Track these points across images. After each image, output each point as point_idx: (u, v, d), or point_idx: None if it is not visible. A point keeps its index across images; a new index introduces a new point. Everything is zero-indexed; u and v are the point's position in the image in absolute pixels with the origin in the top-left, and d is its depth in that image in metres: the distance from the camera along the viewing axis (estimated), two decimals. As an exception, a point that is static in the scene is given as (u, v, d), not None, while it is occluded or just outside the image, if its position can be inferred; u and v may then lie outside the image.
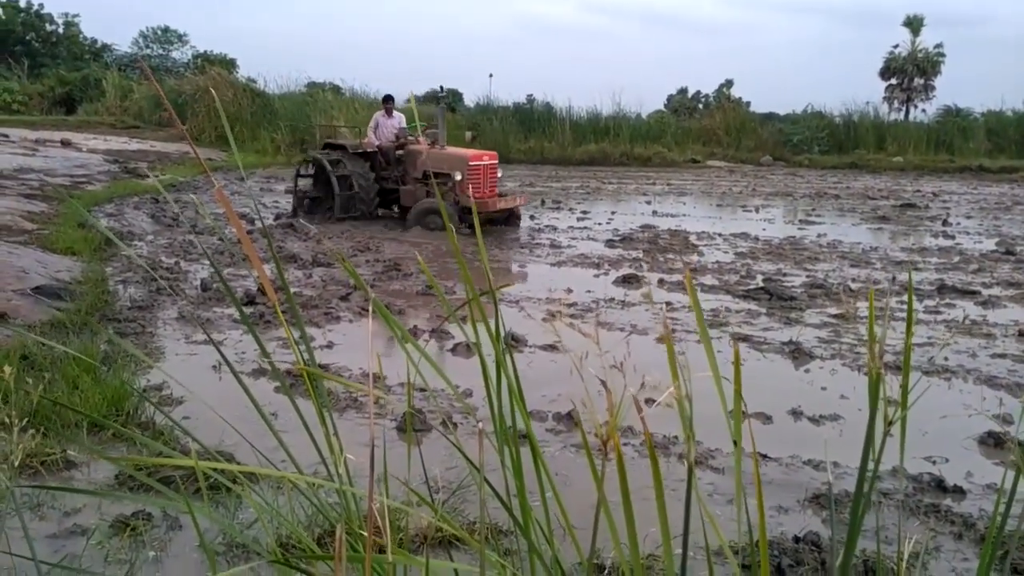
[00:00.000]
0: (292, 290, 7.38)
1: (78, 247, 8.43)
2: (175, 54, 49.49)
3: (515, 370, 1.24)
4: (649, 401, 0.98)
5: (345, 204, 12.06)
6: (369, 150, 12.43)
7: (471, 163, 11.57)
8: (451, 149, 12.68)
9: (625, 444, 4.11)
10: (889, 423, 0.98)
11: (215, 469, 1.28)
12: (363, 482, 1.57)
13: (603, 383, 0.88)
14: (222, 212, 12.44)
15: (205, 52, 45.96)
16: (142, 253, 9.00)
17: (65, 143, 20.74)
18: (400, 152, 12.44)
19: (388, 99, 13.06)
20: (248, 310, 6.70)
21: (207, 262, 8.59)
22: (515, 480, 1.23)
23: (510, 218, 12.09)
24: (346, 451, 1.42)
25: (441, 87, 13.62)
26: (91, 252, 8.35)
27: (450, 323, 6.34)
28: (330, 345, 5.81)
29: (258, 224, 11.09)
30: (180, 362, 5.39)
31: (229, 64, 39.56)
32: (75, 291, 6.65)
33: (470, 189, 11.25)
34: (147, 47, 49.64)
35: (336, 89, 30.46)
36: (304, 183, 12.92)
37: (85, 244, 8.52)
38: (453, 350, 5.79)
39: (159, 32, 49.96)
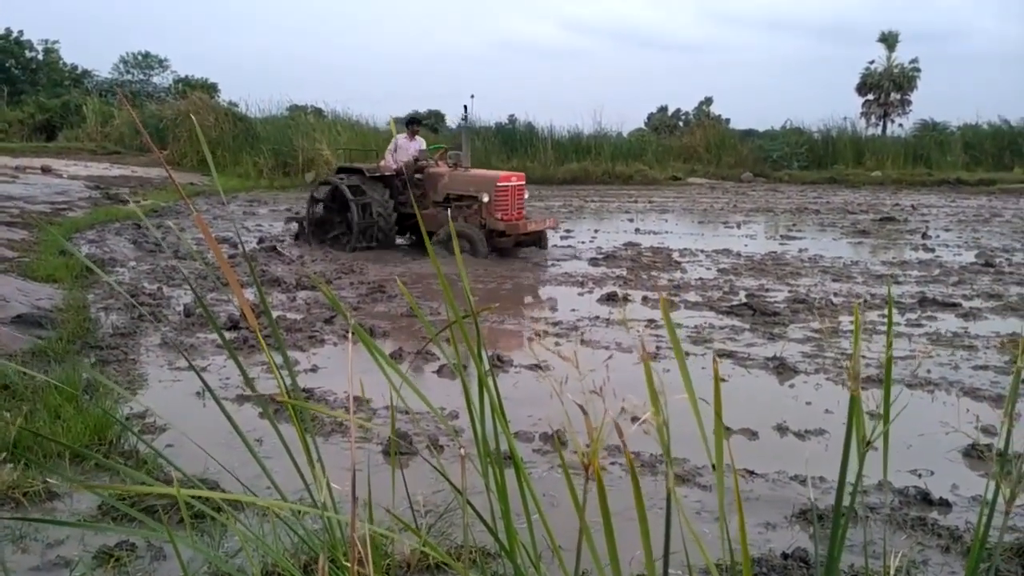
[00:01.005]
0: (276, 314, 7.35)
1: (59, 274, 8.37)
2: (156, 79, 49.43)
3: (498, 392, 1.24)
4: (634, 419, 0.99)
5: (363, 232, 11.49)
6: (387, 174, 11.87)
7: (499, 184, 11.10)
8: (476, 170, 12.23)
9: (612, 463, 4.10)
10: (868, 443, 0.98)
11: (198, 498, 1.27)
12: (349, 508, 1.57)
13: (582, 408, 0.89)
14: (203, 237, 12.48)
15: (186, 77, 46.00)
16: (124, 279, 8.94)
17: (45, 170, 20.62)
18: (419, 176, 11.93)
19: (414, 121, 12.56)
20: (231, 335, 6.66)
21: (190, 287, 8.55)
22: (500, 503, 1.23)
23: (539, 241, 11.64)
24: (331, 476, 1.41)
25: (465, 106, 12.97)
26: (72, 279, 8.29)
27: (435, 345, 6.33)
28: (315, 369, 5.78)
29: (241, 248, 11.08)
30: (163, 389, 5.34)
31: (210, 88, 39.56)
32: (56, 319, 6.60)
33: (498, 212, 10.93)
34: (128, 72, 49.55)
35: (318, 112, 30.50)
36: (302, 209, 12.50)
37: (66, 271, 8.46)
38: (439, 371, 5.77)
39: (139, 57, 49.89)
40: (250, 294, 8.27)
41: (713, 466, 0.93)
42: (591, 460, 0.84)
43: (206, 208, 16.86)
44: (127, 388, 5.25)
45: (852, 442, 1.00)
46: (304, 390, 5.22)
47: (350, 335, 1.07)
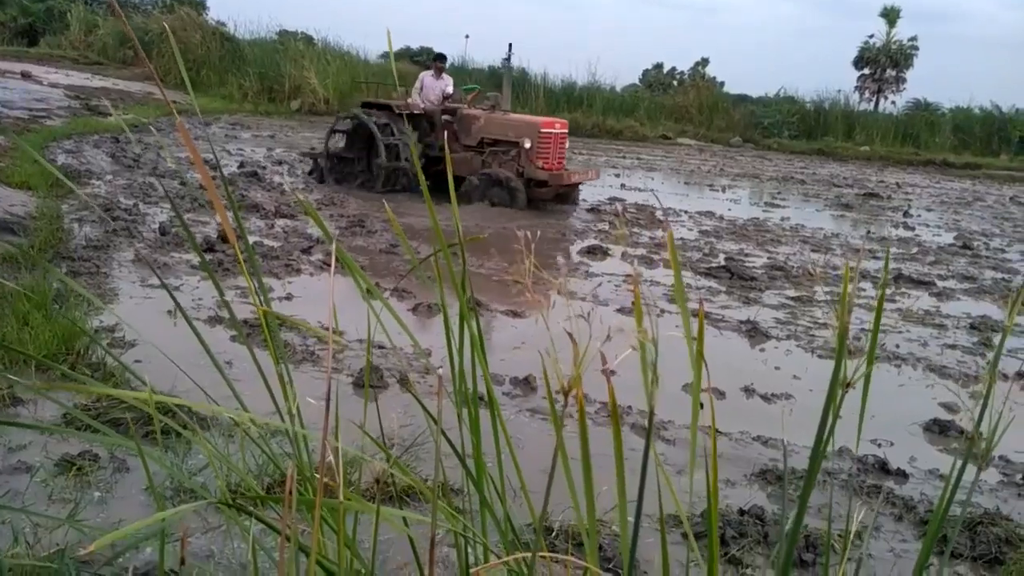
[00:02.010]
0: (253, 240, 7.28)
1: (34, 182, 8.21)
2: (144, -10, 48.03)
3: (479, 326, 1.22)
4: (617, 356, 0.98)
5: (390, 175, 10.84)
6: (416, 112, 11.10)
7: (542, 130, 10.49)
8: (516, 115, 11.54)
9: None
10: (848, 384, 0.98)
11: (166, 411, 1.26)
12: (318, 432, 1.55)
13: (569, 334, 0.87)
14: (184, 156, 12.11)
15: (175, -9, 44.72)
16: (100, 193, 8.79)
17: (25, 75, 20.10)
18: (448, 117, 11.26)
19: (440, 58, 11.79)
20: (207, 257, 6.60)
21: (167, 205, 8.43)
22: (472, 437, 1.23)
23: (572, 195, 11.12)
24: (301, 404, 1.40)
25: (510, 45, 12.09)
26: (47, 188, 8.13)
27: (415, 281, 6.31)
28: (289, 297, 5.74)
29: (219, 172, 10.92)
30: (134, 305, 5.29)
31: (199, 5, 38.50)
32: (29, 227, 6.49)
33: (539, 160, 10.41)
34: (115, -19, 48.07)
35: (308, 39, 29.85)
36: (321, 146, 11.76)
37: (41, 179, 8.29)
38: (414, 309, 5.76)
39: (128, -34, 48.39)
40: (229, 218, 8.17)
41: (700, 404, 0.92)
42: (573, 385, 0.83)
43: (187, 127, 16.53)
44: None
45: (837, 382, 1.00)
46: (277, 317, 5.19)
47: (333, 255, 1.04)
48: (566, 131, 11.00)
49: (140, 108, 18.30)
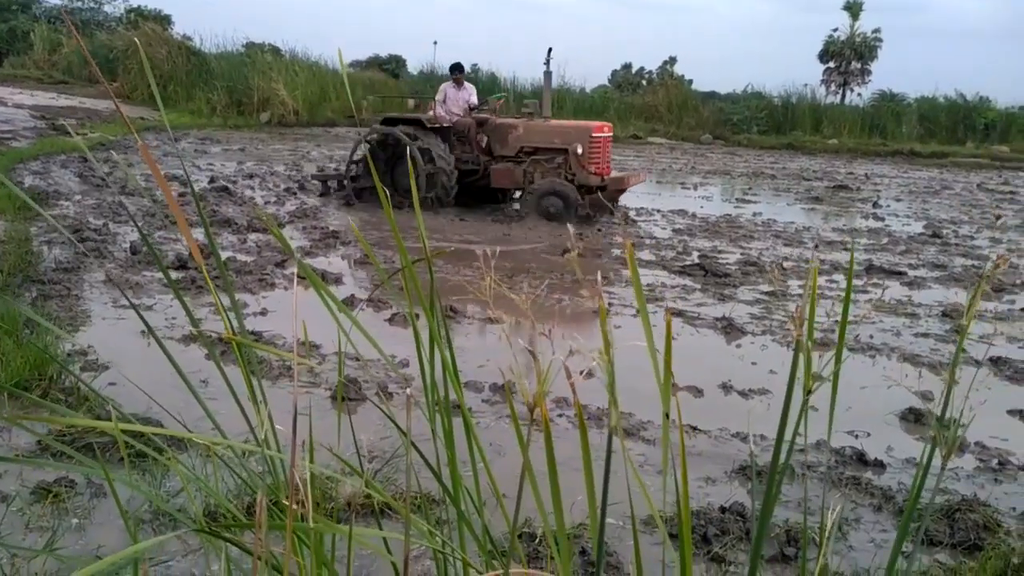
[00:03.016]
0: (226, 255, 7.23)
1: (1, 205, 8.11)
2: (107, 7, 47.41)
3: (449, 341, 1.23)
4: (584, 374, 0.99)
5: (430, 179, 10.32)
6: (445, 125, 10.71)
7: (594, 134, 10.17)
8: (559, 121, 11.22)
9: (560, 415, 4.15)
10: (809, 391, 1.00)
11: (138, 436, 1.25)
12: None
13: (531, 352, 0.88)
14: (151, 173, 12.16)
15: (139, 6, 44.27)
16: (69, 214, 8.69)
17: (-12, 96, 19.85)
18: (479, 127, 10.85)
19: (457, 68, 11.36)
20: (179, 275, 6.55)
21: (138, 223, 8.35)
22: (447, 451, 1.23)
23: (615, 200, 10.71)
24: (278, 420, 1.39)
25: (549, 49, 11.33)
26: (15, 211, 8.03)
27: (387, 293, 6.30)
28: (264, 312, 5.71)
29: (190, 187, 10.84)
30: (107, 327, 5.24)
31: (164, 20, 38.15)
32: (-4, 251, 6.40)
33: (592, 165, 10.09)
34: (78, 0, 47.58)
35: (276, 51, 29.71)
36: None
37: (8, 202, 8.19)
38: (391, 320, 5.75)
39: (90, -16, 47.89)
40: (200, 234, 8.12)
41: (665, 414, 0.93)
42: (537, 403, 0.83)
43: (156, 144, 16.42)
44: (69, 325, 5.14)
45: (796, 388, 1.01)
46: (252, 333, 5.16)
47: (295, 275, 1.04)
48: (611, 135, 10.81)
49: (107, 126, 18.11)
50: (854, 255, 8.93)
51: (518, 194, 11.21)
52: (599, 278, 0.96)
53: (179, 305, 5.59)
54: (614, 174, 10.83)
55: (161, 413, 3.39)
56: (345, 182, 11.10)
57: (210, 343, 2.09)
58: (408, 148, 9.93)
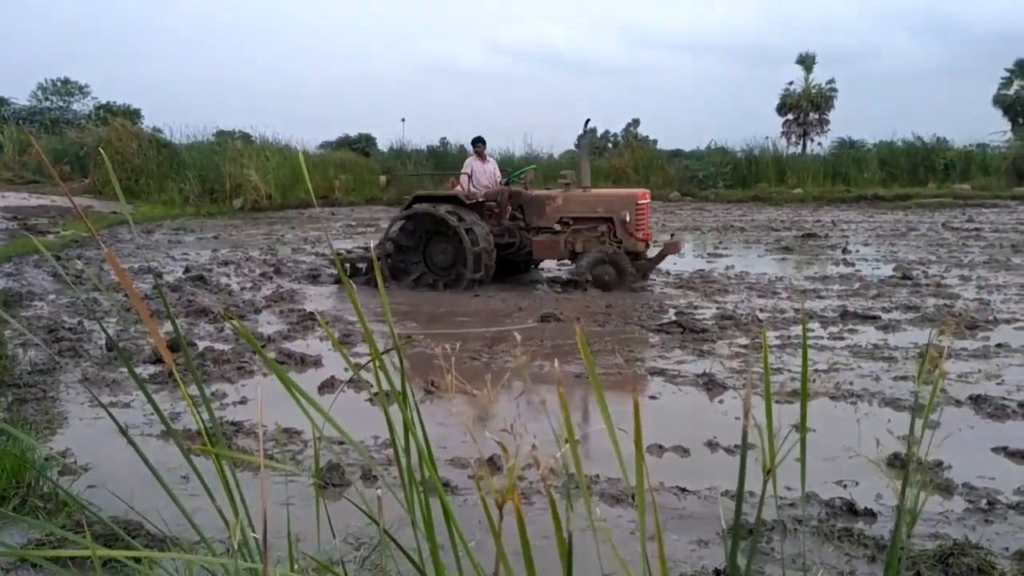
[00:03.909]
0: (203, 344, 7.19)
1: (-28, 310, 8.04)
2: (76, 106, 47.99)
3: (423, 428, 1.24)
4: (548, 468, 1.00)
5: (476, 260, 10.07)
6: (480, 200, 10.68)
7: (640, 202, 10.31)
8: (599, 190, 11.37)
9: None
10: (769, 471, 1.01)
11: (113, 547, 1.24)
12: (278, 544, 1.54)
13: (501, 445, 0.89)
14: (128, 267, 11.95)
15: (108, 103, 44.80)
16: (43, 314, 8.62)
17: (-42, 201, 19.83)
18: (512, 201, 10.84)
19: (479, 141, 11.35)
20: (157, 368, 6.49)
21: (113, 319, 8.33)
22: (427, 541, 1.23)
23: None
24: (264, 510, 1.38)
25: (587, 120, 11.56)
26: (-13, 315, 7.96)
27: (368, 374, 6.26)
28: (243, 401, 5.66)
29: (155, 283, 10.81)
30: (85, 427, 5.17)
31: (133, 115, 38.64)
32: (-31, 357, 6.33)
33: (639, 232, 10.19)
34: (46, 99, 48.01)
35: (246, 137, 30.08)
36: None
37: (-20, 307, 8.13)
38: (372, 399, 5.71)
39: (59, 84, 48.41)
40: (179, 324, 8.08)
41: (637, 501, 0.94)
42: (506, 498, 0.84)
43: (129, 238, 16.43)
44: (46, 428, 5.07)
45: (749, 463, 1.03)
46: (233, 423, 5.11)
47: (254, 371, 1.05)
48: (649, 200, 10.93)
49: (80, 223, 18.10)
50: (826, 302, 9.02)
51: (542, 264, 11.35)
52: (556, 365, 0.98)
53: (158, 399, 5.51)
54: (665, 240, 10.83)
55: (142, 513, 3.34)
56: (372, 263, 10.62)
57: (184, 445, 2.07)
58: (457, 228, 9.92)
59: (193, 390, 5.87)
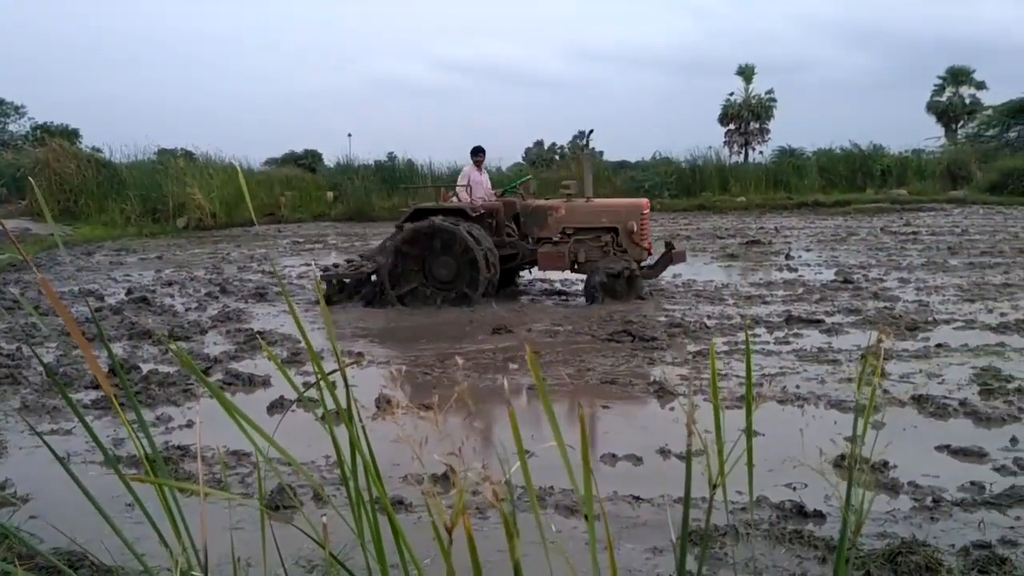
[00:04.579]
0: (147, 368, 7.02)
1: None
2: (12, 127, 46.81)
3: (370, 449, 1.22)
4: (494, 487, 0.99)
5: (488, 280, 9.86)
6: (482, 212, 10.47)
7: (644, 211, 10.31)
8: (603, 200, 11.26)
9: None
10: (715, 486, 1.02)
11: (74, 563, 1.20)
12: (224, 570, 1.51)
13: (451, 468, 0.89)
14: (67, 290, 11.62)
15: (45, 123, 43.74)
16: (-22, 340, 8.34)
17: None
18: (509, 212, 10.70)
19: (479, 151, 11.22)
20: (100, 393, 6.32)
21: (52, 344, 8.10)
22: (378, 564, 1.21)
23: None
24: (211, 536, 1.35)
25: (591, 131, 11.32)
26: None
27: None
28: (190, 424, 5.55)
29: (90, 310, 10.56)
30: (26, 456, 5.02)
31: (71, 135, 37.83)
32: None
33: (644, 240, 10.18)
34: (-18, 121, 46.70)
35: (189, 155, 29.59)
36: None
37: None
38: (323, 418, 5.63)
39: (-7, 105, 47.15)
40: (120, 348, 7.89)
41: (585, 516, 0.94)
42: (455, 522, 0.84)
43: (69, 260, 16.02)
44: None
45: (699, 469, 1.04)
46: (179, 447, 5.01)
47: (202, 393, 1.03)
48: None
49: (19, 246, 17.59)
50: (771, 308, 9.18)
51: (524, 274, 11.31)
52: (506, 384, 0.98)
53: (101, 424, 5.36)
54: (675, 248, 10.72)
55: (86, 543, 3.24)
56: (379, 278, 10.29)
57: (123, 475, 2.02)
58: (467, 240, 9.71)
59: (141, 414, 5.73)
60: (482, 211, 10.48)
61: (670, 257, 10.41)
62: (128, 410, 5.90)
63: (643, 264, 10.40)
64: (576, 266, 10.36)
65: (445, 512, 0.88)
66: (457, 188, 10.97)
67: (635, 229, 10.11)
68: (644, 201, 10.81)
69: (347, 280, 10.80)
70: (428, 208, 10.40)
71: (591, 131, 11.18)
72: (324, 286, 10.66)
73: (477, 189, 10.96)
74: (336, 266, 11.45)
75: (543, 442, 4.57)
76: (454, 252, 9.92)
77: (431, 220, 9.96)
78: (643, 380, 6.28)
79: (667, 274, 12.13)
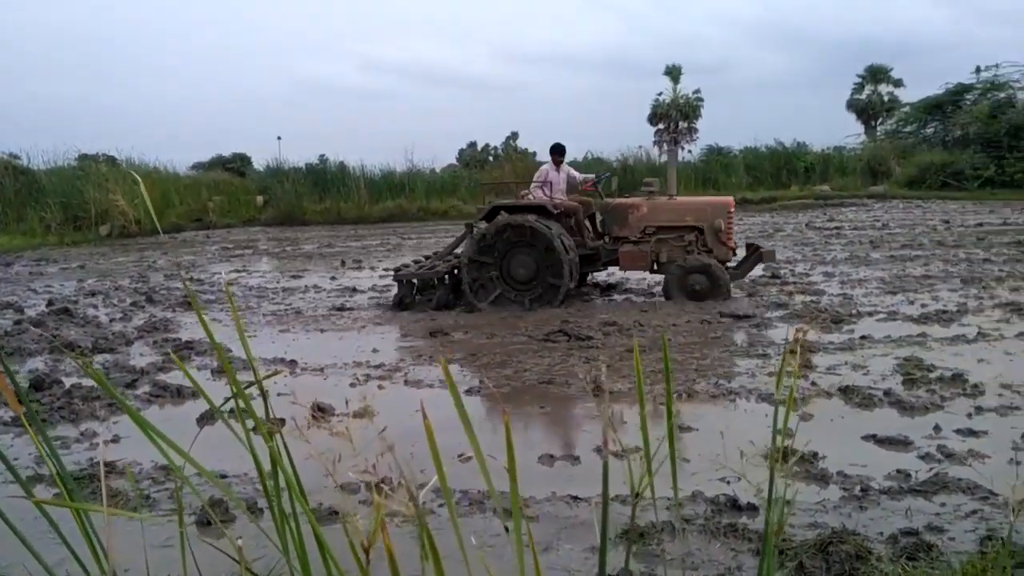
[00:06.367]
0: (71, 382, 6.78)
1: None
2: (-82, 132, 44.80)
3: (292, 462, 1.19)
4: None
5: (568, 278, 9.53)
6: (562, 210, 10.07)
7: (731, 209, 10.00)
8: (686, 198, 10.90)
9: (441, 505, 4.05)
10: (637, 494, 1.02)
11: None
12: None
13: (372, 488, 0.86)
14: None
15: (-46, 129, 41.97)
16: None
17: None
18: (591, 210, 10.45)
19: (558, 149, 10.64)
20: (22, 410, 6.07)
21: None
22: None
23: None
24: (132, 555, 1.30)
25: (677, 123, 10.49)
26: None
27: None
28: (116, 439, 5.36)
29: None
30: (-62, 478, 4.78)
31: (-16, 140, 36.36)
32: None
33: (730, 240, 9.90)
34: None
35: (111, 160, 28.72)
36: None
37: None
38: (254, 429, 5.51)
39: None
40: (41, 363, 7.60)
41: (506, 528, 0.93)
42: (371, 542, 0.81)
43: (-15, 271, 15.38)
44: None
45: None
46: (106, 464, 4.84)
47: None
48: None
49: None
50: (706, 304, 9.33)
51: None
52: (422, 405, 0.96)
53: (21, 442, 5.16)
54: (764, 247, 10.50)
55: (9, 567, 3.11)
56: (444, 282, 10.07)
57: (33, 498, 1.94)
58: (551, 238, 9.39)
59: (64, 430, 5.54)
60: (562, 209, 10.11)
61: (759, 256, 10.12)
62: (51, 426, 5.70)
63: (727, 264, 10.02)
64: (657, 266, 10.07)
65: (361, 531, 0.86)
66: (532, 187, 10.54)
67: (723, 228, 9.83)
68: (730, 199, 10.51)
69: (416, 281, 10.26)
70: (507, 205, 10.04)
71: (679, 125, 10.70)
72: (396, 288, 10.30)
73: (554, 189, 10.49)
74: (406, 266, 10.78)
75: (466, 455, 4.57)
76: (532, 251, 9.60)
77: (526, 220, 9.57)
78: (579, 379, 6.31)
79: (600, 274, 12.13)
